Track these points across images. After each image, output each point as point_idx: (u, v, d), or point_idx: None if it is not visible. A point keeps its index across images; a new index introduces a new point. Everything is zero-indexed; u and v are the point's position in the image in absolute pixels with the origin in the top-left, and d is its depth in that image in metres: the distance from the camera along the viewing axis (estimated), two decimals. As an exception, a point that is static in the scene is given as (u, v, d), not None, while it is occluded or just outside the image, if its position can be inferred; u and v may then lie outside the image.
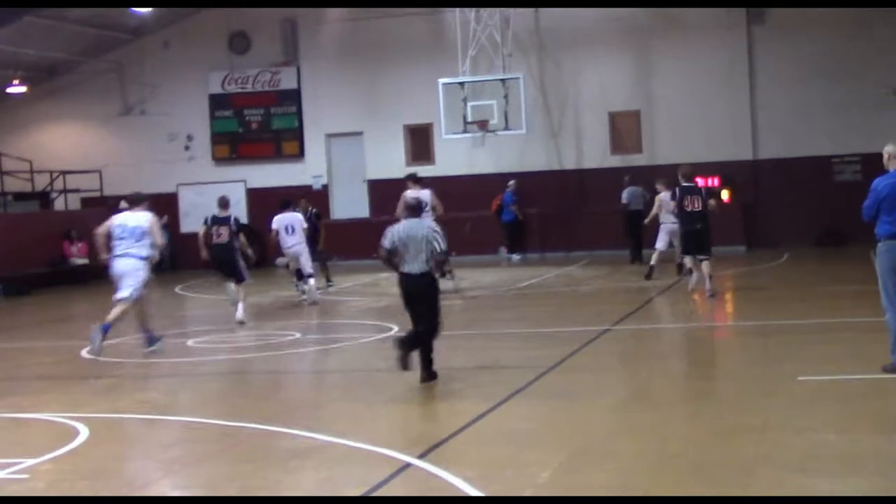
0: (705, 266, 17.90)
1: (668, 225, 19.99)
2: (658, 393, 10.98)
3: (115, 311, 14.47)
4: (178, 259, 29.94)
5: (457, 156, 28.45)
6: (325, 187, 29.94)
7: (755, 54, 27.46)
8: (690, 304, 17.81)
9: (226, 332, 17.15)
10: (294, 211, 20.58)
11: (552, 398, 10.75)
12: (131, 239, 14.46)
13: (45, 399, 11.84)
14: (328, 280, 22.74)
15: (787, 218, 26.28)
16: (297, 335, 15.94)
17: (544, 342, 14.54)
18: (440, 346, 13.57)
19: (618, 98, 28.16)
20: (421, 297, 11.48)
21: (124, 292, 14.46)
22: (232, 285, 17.99)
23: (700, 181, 26.44)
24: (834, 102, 26.84)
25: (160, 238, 14.70)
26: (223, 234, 17.73)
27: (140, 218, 14.59)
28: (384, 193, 26.43)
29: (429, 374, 11.66)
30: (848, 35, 26.75)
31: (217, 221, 17.86)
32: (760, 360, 12.62)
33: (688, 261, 18.54)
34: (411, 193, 17.25)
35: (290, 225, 20.04)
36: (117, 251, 14.50)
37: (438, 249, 11.35)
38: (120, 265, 14.52)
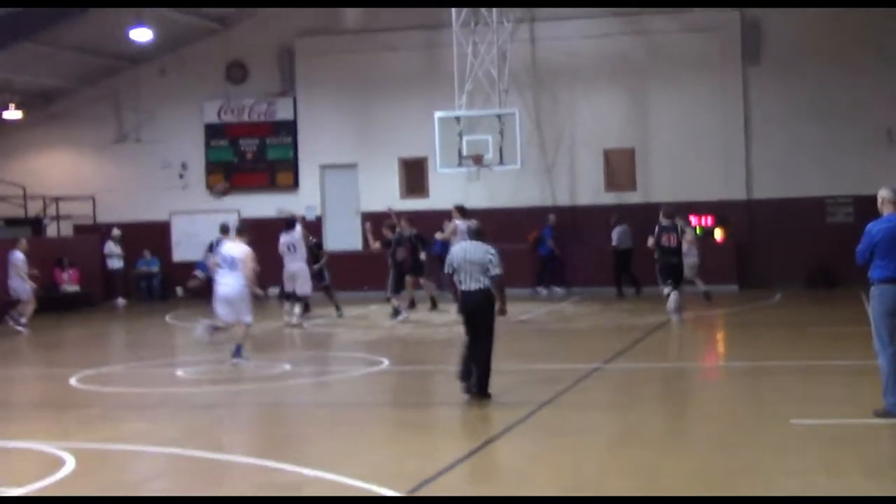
0: (675, 295, 19.91)
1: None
2: (649, 433, 10.91)
3: (239, 333, 15.87)
4: (168, 288, 29.90)
5: (451, 190, 28.39)
6: (319, 218, 29.90)
7: (750, 94, 27.56)
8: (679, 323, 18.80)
9: (216, 362, 17.06)
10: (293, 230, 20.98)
11: (544, 436, 10.71)
12: (228, 267, 15.60)
13: (34, 427, 11.75)
14: (338, 309, 22.75)
15: (780, 258, 26.29)
16: (288, 367, 15.86)
17: (536, 379, 14.50)
18: (431, 382, 13.50)
19: (612, 135, 28.22)
20: (479, 313, 12.34)
21: (246, 317, 15.80)
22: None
23: (693, 219, 26.88)
24: (828, 143, 26.92)
25: (250, 268, 15.56)
26: None
27: (235, 248, 15.74)
28: (377, 225, 26.32)
29: (483, 393, 12.36)
30: (842, 76, 26.87)
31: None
32: (753, 401, 12.60)
33: (666, 289, 20.02)
34: (460, 223, 18.98)
35: (292, 244, 20.09)
36: (219, 277, 15.87)
37: (494, 272, 12.25)
38: (222, 290, 15.75)
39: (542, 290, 26.95)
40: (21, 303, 22.53)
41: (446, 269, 12.56)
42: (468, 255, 12.36)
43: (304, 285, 20.65)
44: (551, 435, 10.74)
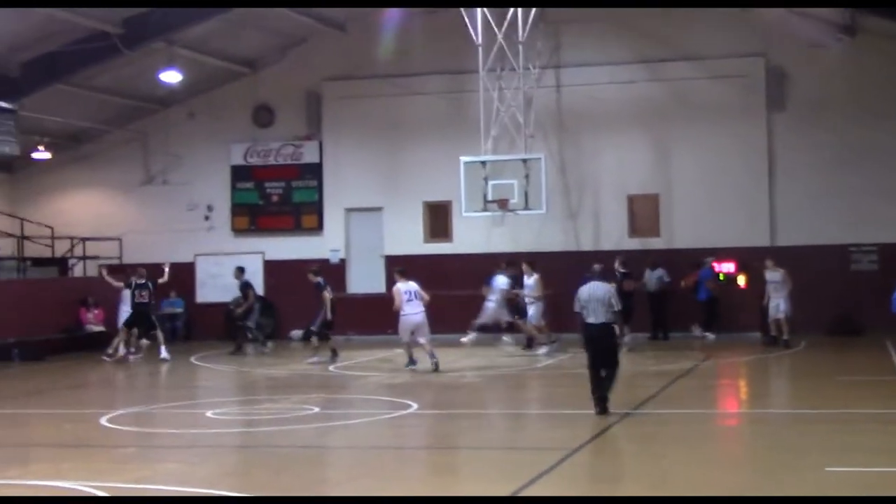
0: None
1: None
2: (683, 480, 10.89)
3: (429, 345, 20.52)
4: (193, 329, 30.01)
5: (475, 234, 28.56)
6: (343, 261, 30.02)
7: (774, 140, 27.63)
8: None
9: (244, 403, 17.13)
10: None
11: (577, 483, 10.70)
12: (416, 300, 20.30)
13: (67, 467, 11.80)
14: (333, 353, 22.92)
15: (804, 305, 26.10)
16: (316, 409, 15.90)
17: (565, 424, 14.51)
18: (462, 426, 13.52)
19: (636, 181, 28.32)
20: (601, 342, 14.40)
21: (425, 337, 20.63)
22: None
23: (716, 265, 26.98)
24: (852, 190, 26.94)
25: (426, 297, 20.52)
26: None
27: (411, 285, 20.58)
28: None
29: (602, 409, 14.18)
30: (867, 123, 26.89)
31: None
32: (786, 449, 12.54)
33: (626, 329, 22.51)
34: (401, 286, 20.73)
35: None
36: (410, 309, 20.33)
37: (615, 307, 14.30)
38: (416, 318, 20.39)
39: (710, 335, 26.18)
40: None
41: (575, 307, 14.45)
42: (593, 293, 14.33)
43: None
44: (585, 482, 10.73)
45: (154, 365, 23.74)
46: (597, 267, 15.58)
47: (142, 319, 24.63)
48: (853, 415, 14.47)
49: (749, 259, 27.05)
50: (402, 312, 20.58)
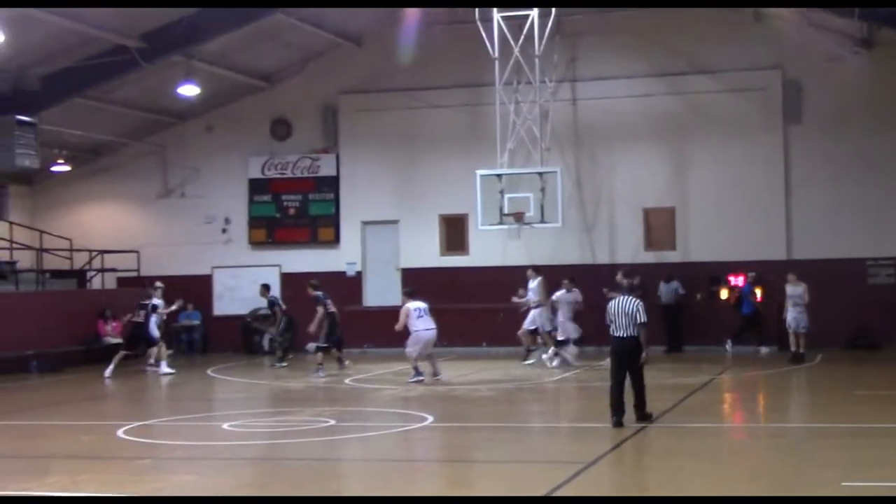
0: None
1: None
2: (701, 493, 10.88)
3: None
4: (209, 342, 30.11)
5: (490, 247, 28.59)
6: (359, 274, 30.10)
7: (791, 154, 27.59)
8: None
9: (260, 416, 17.19)
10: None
11: (594, 495, 10.70)
12: (427, 316, 20.76)
13: (85, 478, 11.86)
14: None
15: (820, 319, 25.98)
16: (332, 422, 15.94)
17: (580, 437, 14.53)
18: (477, 440, 13.54)
19: (652, 194, 28.32)
20: (627, 354, 14.80)
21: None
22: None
23: (732, 279, 26.99)
24: (869, 204, 26.87)
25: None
26: None
27: (421, 303, 20.99)
28: (417, 282, 26.51)
29: (642, 416, 14.86)
30: (884, 136, 26.84)
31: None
32: (802, 463, 12.54)
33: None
34: (411, 306, 20.99)
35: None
36: (423, 325, 20.68)
37: (640, 320, 14.74)
38: (431, 333, 20.81)
39: (764, 349, 26.22)
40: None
41: (607, 320, 15.02)
42: (620, 307, 14.81)
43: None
44: (603, 494, 10.73)
45: (174, 378, 23.81)
46: (626, 282, 15.80)
47: (138, 339, 24.93)
48: (870, 429, 14.43)
49: (765, 273, 27.02)
50: (414, 329, 20.82)
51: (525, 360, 24.32)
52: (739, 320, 26.70)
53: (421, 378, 20.80)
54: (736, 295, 26.97)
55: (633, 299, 15.00)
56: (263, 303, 28.12)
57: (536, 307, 24.11)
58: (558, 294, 24.03)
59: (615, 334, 14.84)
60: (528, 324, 24.30)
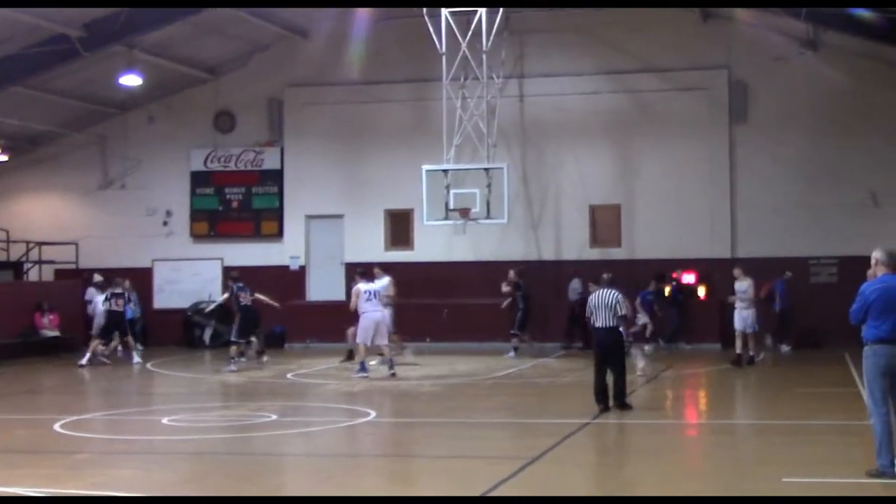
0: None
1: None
2: (643, 490, 10.87)
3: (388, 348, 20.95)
4: (149, 335, 29.67)
5: (436, 242, 28.49)
6: (303, 268, 29.87)
7: (736, 153, 27.79)
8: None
9: (201, 410, 16.96)
10: None
11: (536, 491, 10.64)
12: (375, 300, 20.76)
13: (21, 473, 11.58)
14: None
15: (764, 317, 26.23)
16: (274, 417, 15.76)
17: (525, 433, 14.47)
18: (421, 435, 13.42)
19: (599, 191, 28.39)
20: (608, 345, 15.61)
21: (384, 339, 20.88)
22: None
23: (683, 277, 27.16)
24: (813, 204, 27.14)
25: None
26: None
27: (371, 285, 21.06)
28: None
29: (623, 405, 15.52)
30: (828, 138, 27.16)
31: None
32: (743, 459, 12.59)
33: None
34: (362, 287, 21.04)
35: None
36: (370, 307, 20.56)
37: (621, 312, 15.59)
38: (376, 315, 20.67)
39: (785, 347, 25.60)
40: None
41: (587, 312, 15.88)
42: (601, 299, 15.59)
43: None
44: (545, 490, 10.67)
45: (112, 371, 23.48)
46: (605, 276, 16.35)
47: (116, 328, 24.64)
48: (811, 426, 14.52)
49: (710, 271, 27.18)
50: (362, 310, 20.72)
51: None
52: (775, 318, 25.92)
53: (366, 374, 20.63)
54: (767, 291, 25.63)
55: (614, 292, 15.71)
56: (204, 296, 27.85)
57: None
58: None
59: (596, 325, 15.66)
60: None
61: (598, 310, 15.63)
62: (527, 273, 26.22)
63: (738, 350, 22.20)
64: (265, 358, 23.67)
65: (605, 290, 15.82)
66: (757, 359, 22.54)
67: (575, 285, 27.26)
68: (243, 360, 23.30)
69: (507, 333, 25.84)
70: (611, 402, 15.61)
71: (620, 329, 15.74)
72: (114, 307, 24.55)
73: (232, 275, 24.11)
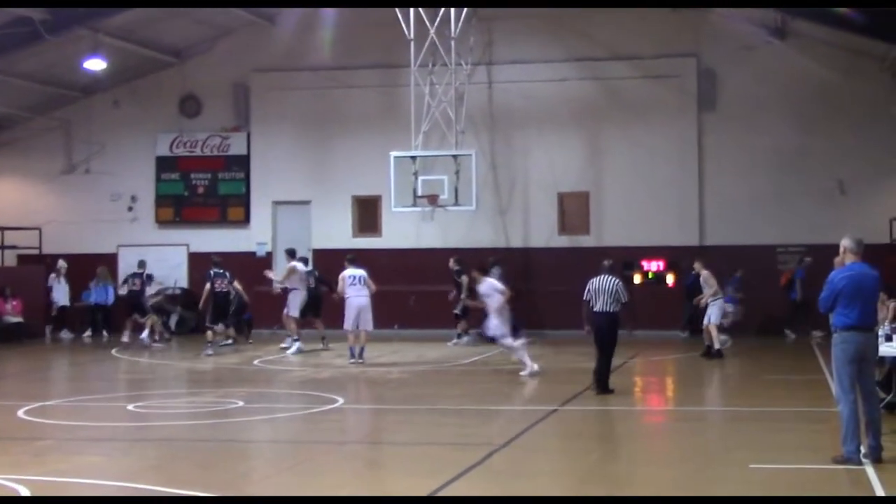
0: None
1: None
2: (610, 476, 10.86)
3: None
4: (114, 321, 29.36)
5: (404, 229, 28.40)
6: (269, 255, 29.68)
7: (705, 141, 27.85)
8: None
9: (167, 397, 16.83)
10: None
11: (503, 477, 10.60)
12: (360, 284, 20.83)
13: (-17, 459, 11.45)
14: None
15: (781, 307, 26.37)
16: (240, 403, 15.64)
17: (492, 420, 14.43)
18: (388, 422, 13.36)
19: (567, 179, 28.37)
20: (607, 329, 16.18)
21: (369, 325, 20.90)
22: None
23: (645, 264, 27.14)
24: (780, 192, 27.23)
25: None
26: None
27: (358, 271, 21.03)
28: (330, 263, 26.18)
29: (604, 390, 16.00)
30: (796, 127, 27.24)
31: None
32: (711, 446, 12.61)
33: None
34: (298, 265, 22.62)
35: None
36: (353, 293, 20.70)
37: (623, 299, 16.19)
38: (359, 300, 20.75)
39: (817, 333, 24.28)
40: None
41: (584, 296, 16.21)
42: (601, 285, 16.12)
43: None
44: (512, 476, 10.64)
45: (76, 356, 23.26)
46: (606, 263, 16.79)
47: (224, 310, 23.71)
48: (778, 413, 14.56)
49: (678, 258, 27.23)
50: (346, 295, 20.90)
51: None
52: (789, 307, 25.85)
53: (359, 360, 20.75)
54: (787, 279, 25.90)
55: (614, 279, 16.31)
56: (170, 282, 27.70)
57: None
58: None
59: (595, 309, 16.18)
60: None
61: (598, 295, 16.11)
62: (464, 262, 25.47)
63: (706, 342, 21.59)
64: (230, 341, 23.78)
65: (605, 276, 16.29)
66: (713, 349, 21.41)
67: (493, 274, 27.09)
68: (229, 342, 23.52)
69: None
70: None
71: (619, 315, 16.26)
72: (219, 288, 23.18)
73: (214, 259, 23.89)
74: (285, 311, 23.40)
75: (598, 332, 16.24)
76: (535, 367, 18.61)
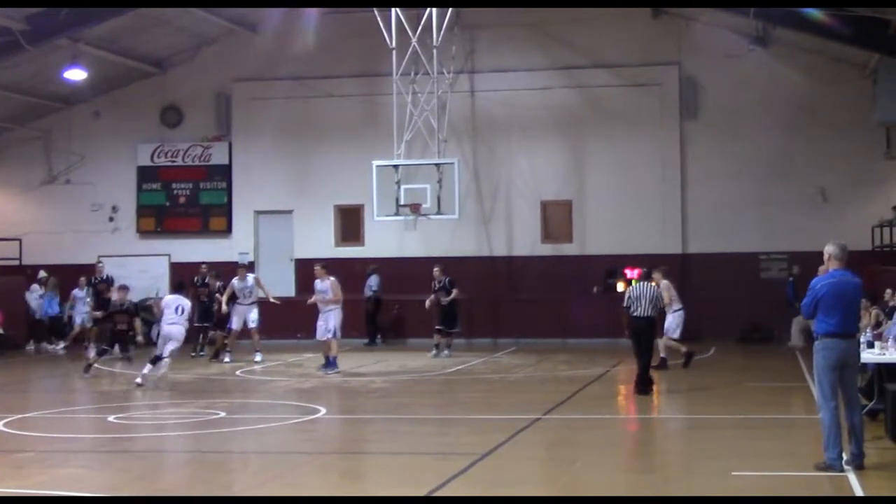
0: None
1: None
2: (593, 485, 10.82)
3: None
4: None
5: (386, 238, 28.37)
6: (252, 264, 29.54)
7: (687, 149, 27.92)
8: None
9: (148, 408, 16.72)
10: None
11: (487, 486, 10.56)
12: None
13: (-38, 472, 11.34)
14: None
15: (714, 312, 26.40)
16: (222, 414, 15.56)
17: (475, 429, 14.37)
18: (371, 432, 13.32)
19: (550, 187, 28.39)
20: (645, 333, 17.07)
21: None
22: None
23: (628, 272, 27.14)
24: (762, 200, 27.31)
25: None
26: None
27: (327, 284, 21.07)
28: (311, 272, 26.07)
29: (646, 390, 16.99)
30: (777, 134, 27.36)
31: None
32: (694, 454, 12.59)
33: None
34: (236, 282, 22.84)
35: (180, 306, 19.70)
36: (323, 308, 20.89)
37: (662, 305, 17.54)
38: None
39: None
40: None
41: (625, 302, 17.07)
42: (641, 291, 17.00)
43: None
44: (495, 486, 10.59)
45: (56, 368, 23.09)
46: (644, 270, 18.44)
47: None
48: (760, 420, 14.57)
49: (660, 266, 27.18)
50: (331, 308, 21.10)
51: None
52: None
53: (337, 370, 20.65)
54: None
55: (652, 285, 17.38)
56: (151, 293, 27.55)
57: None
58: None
59: (635, 314, 16.89)
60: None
61: (638, 300, 16.89)
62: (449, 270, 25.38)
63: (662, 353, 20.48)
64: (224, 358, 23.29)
65: (644, 283, 17.44)
66: (662, 358, 20.38)
67: (371, 282, 27.66)
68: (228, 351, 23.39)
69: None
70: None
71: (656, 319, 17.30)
72: (201, 298, 24.30)
73: (211, 272, 24.45)
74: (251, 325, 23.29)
75: (637, 335, 16.97)
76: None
